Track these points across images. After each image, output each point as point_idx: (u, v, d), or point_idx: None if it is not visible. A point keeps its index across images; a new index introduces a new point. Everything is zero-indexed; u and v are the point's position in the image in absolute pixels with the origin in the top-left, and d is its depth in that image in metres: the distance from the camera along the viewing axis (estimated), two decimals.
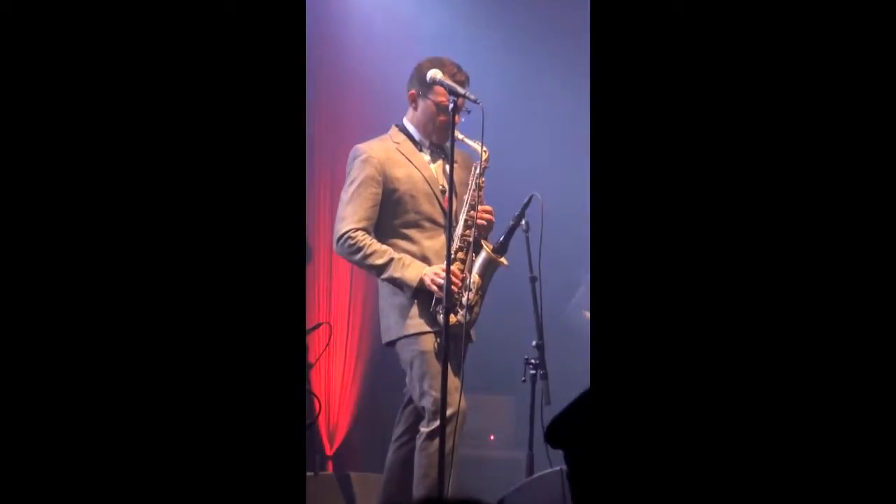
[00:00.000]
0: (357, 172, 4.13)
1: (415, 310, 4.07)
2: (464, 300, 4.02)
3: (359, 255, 4.08)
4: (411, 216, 4.15)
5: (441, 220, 4.13)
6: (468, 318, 4.04)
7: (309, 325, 5.35)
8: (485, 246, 4.10)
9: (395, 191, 4.13)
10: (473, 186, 4.11)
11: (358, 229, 4.08)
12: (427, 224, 4.16)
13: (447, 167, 4.06)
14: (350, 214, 4.10)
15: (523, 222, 4.10)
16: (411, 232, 4.15)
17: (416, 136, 4.23)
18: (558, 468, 3.86)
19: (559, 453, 2.28)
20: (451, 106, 3.99)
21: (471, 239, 4.09)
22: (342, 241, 4.09)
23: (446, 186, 4.08)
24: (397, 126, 4.25)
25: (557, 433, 2.09)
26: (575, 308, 6.06)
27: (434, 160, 4.23)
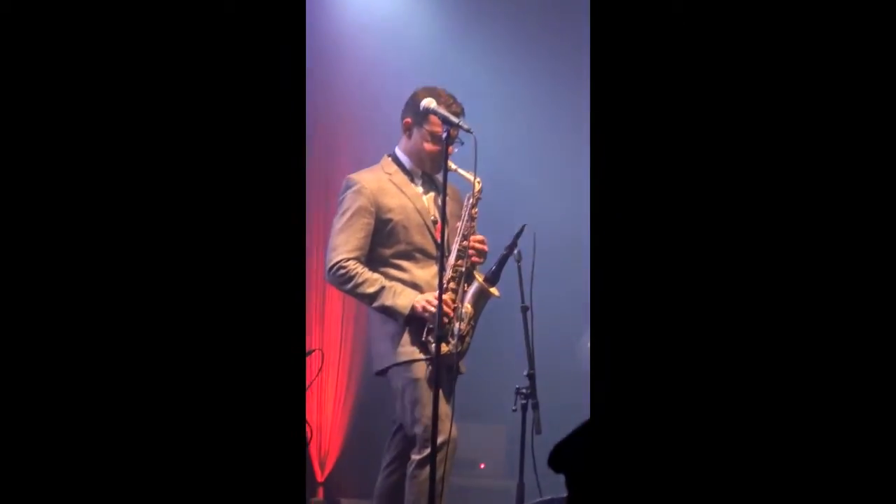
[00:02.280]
0: (349, 202, 4.13)
1: (406, 337, 4.07)
2: (455, 329, 4.02)
3: (350, 284, 4.08)
4: (403, 247, 4.15)
5: (433, 251, 4.13)
6: (460, 347, 4.05)
7: None
8: (477, 276, 4.10)
9: (387, 221, 4.13)
10: (466, 217, 4.11)
11: (350, 259, 4.08)
12: (419, 255, 4.16)
13: (439, 199, 4.07)
14: (342, 244, 4.10)
15: (515, 252, 4.11)
16: (403, 262, 4.15)
17: (409, 165, 4.23)
18: (549, 497, 3.86)
19: (549, 483, 2.29)
20: (444, 135, 4.00)
21: (463, 269, 4.08)
22: (334, 270, 4.10)
23: (438, 217, 4.09)
24: (389, 156, 4.26)
25: (560, 457, 2.11)
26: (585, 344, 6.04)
27: (426, 192, 4.23)
